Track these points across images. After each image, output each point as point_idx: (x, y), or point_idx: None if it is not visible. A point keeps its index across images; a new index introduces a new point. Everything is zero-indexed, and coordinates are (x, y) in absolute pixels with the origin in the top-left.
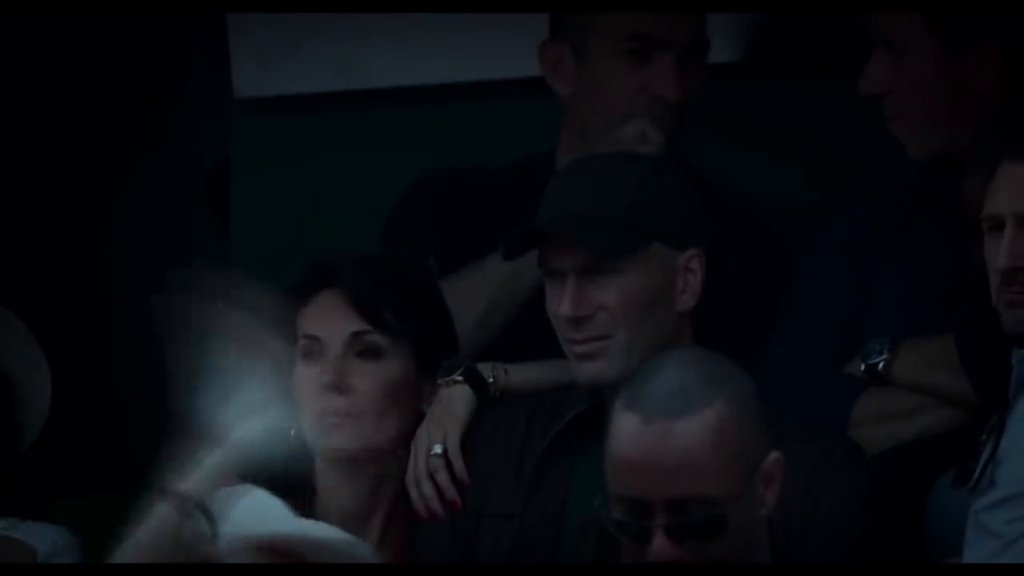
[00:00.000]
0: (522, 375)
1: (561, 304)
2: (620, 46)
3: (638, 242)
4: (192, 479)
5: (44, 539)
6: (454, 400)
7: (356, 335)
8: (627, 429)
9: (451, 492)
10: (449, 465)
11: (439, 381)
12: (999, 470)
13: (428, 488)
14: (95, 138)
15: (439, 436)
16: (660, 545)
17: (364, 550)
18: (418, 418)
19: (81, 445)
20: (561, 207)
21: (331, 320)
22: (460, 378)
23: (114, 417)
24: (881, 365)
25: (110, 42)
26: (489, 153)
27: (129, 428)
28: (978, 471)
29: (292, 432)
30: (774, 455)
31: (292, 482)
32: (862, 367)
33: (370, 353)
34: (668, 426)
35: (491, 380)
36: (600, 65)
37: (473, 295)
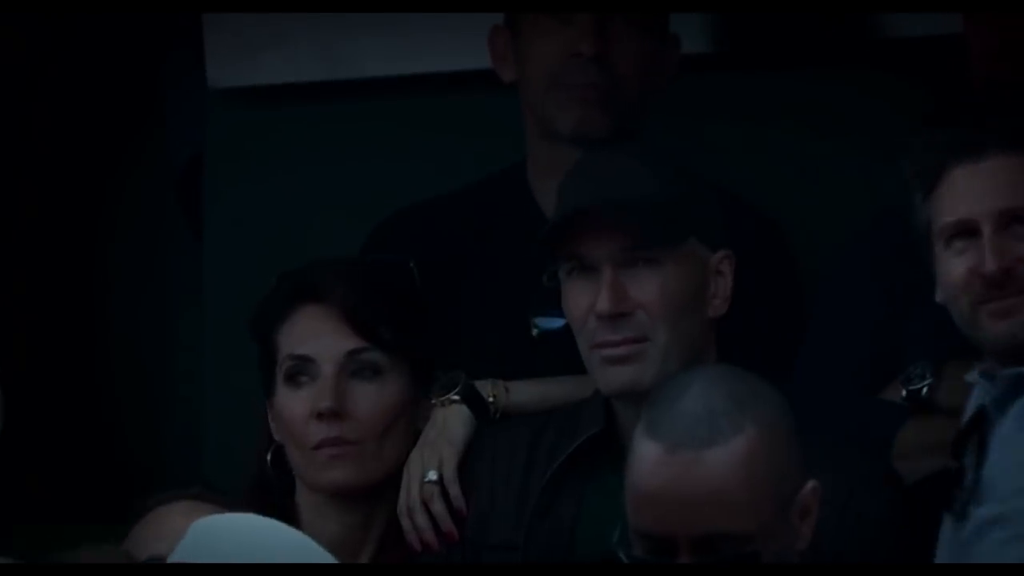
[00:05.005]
0: (525, 393)
1: (598, 300)
2: (544, 18)
3: (681, 231)
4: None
5: None
6: (450, 421)
7: (352, 354)
8: (649, 459)
9: (447, 523)
10: (445, 493)
11: (433, 400)
12: (986, 492)
13: (422, 519)
14: (75, 138)
15: (434, 461)
16: None
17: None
18: (414, 439)
19: (45, 471)
20: (590, 194)
21: (323, 338)
22: (457, 397)
23: (79, 445)
24: (924, 391)
25: (86, 40)
26: (477, 145)
27: (96, 456)
28: (963, 496)
29: (268, 457)
30: (810, 485)
31: (271, 511)
32: (903, 393)
33: (368, 373)
34: (694, 456)
35: (491, 399)
36: (528, 39)
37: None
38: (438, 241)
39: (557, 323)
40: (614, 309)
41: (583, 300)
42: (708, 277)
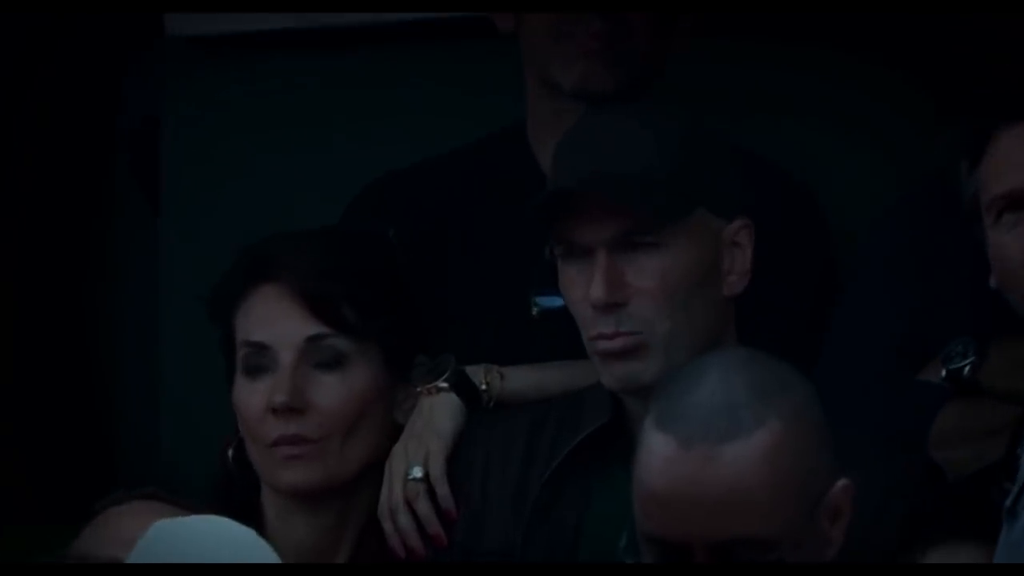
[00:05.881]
0: (522, 379)
1: (590, 287)
2: None
3: (680, 204)
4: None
5: None
6: (438, 411)
7: (312, 340)
8: (661, 455)
9: (434, 525)
10: (432, 492)
11: (419, 388)
12: None
13: (406, 520)
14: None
15: (419, 456)
16: None
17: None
18: (392, 431)
19: (34, 473)
20: (584, 167)
21: (279, 322)
22: (445, 384)
23: (67, 445)
24: (967, 370)
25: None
26: (471, 102)
27: (83, 457)
28: (1016, 491)
29: (230, 452)
30: (841, 483)
31: (234, 512)
32: (942, 372)
33: (331, 361)
34: (712, 452)
35: (483, 387)
36: None
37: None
38: (426, 209)
39: (559, 301)
40: (608, 298)
41: (577, 287)
42: (722, 251)
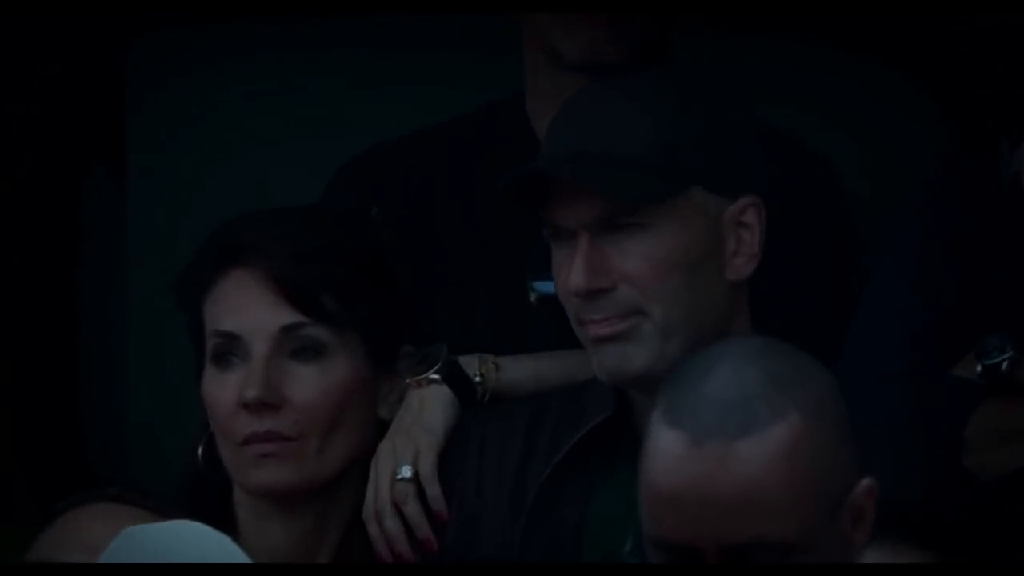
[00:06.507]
0: (520, 370)
1: (571, 274)
2: None
3: (668, 184)
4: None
5: None
6: (428, 405)
7: (288, 330)
8: (669, 452)
9: (424, 529)
10: (421, 492)
11: (408, 380)
12: None
13: (393, 524)
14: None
15: (408, 454)
16: None
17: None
18: (376, 427)
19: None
20: (567, 144)
21: (251, 310)
22: (436, 376)
23: (32, 440)
24: (1004, 365)
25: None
26: (466, 72)
27: (48, 453)
28: None
29: (200, 449)
30: (865, 483)
31: (204, 515)
32: (978, 368)
33: (308, 352)
34: (725, 448)
35: (478, 378)
36: None
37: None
38: (415, 185)
39: None
40: (589, 285)
41: (562, 272)
42: (725, 232)
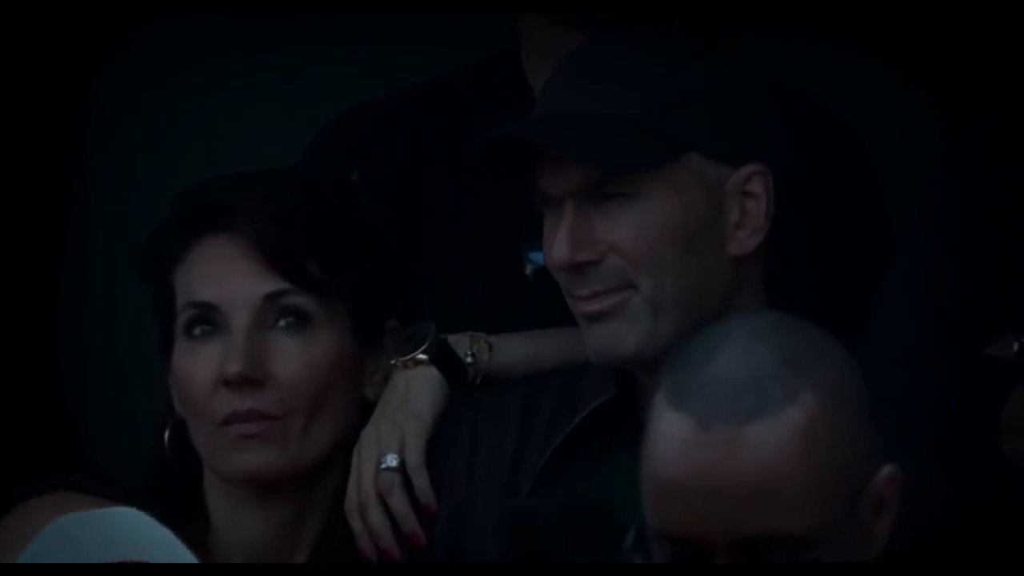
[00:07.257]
0: (514, 350)
1: (553, 245)
2: None
3: (654, 152)
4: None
5: None
6: (415, 388)
7: (271, 298)
8: (674, 436)
9: (411, 523)
10: (408, 483)
11: (394, 360)
12: None
13: (378, 518)
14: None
15: (394, 441)
16: None
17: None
18: (361, 409)
19: None
20: (556, 105)
21: (231, 279)
22: (424, 356)
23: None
24: None
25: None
26: (457, 25)
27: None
28: None
29: (166, 435)
30: (887, 470)
31: (172, 507)
32: (1015, 347)
33: (293, 322)
34: (734, 432)
35: (469, 358)
36: None
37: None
38: (402, 148)
39: None
40: (571, 258)
41: (549, 240)
42: (726, 202)
